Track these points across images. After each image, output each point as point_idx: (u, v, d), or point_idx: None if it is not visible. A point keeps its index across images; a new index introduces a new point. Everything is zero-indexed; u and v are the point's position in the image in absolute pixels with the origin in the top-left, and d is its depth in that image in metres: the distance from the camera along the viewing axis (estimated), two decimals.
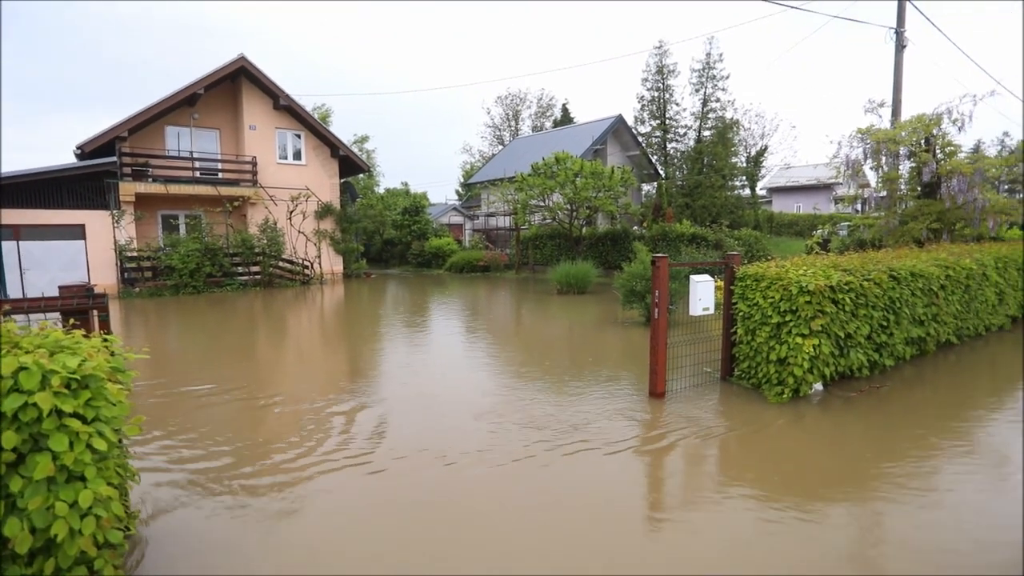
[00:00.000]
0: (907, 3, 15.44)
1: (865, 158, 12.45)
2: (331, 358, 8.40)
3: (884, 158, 12.28)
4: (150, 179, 17.90)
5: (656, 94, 30.45)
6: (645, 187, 31.58)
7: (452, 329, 10.81)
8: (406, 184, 44.09)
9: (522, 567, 2.88)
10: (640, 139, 30.06)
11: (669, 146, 30.88)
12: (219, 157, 20.10)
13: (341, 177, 23.36)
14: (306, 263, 20.08)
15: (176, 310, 13.39)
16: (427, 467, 4.09)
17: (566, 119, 43.82)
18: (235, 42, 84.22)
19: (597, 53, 77.93)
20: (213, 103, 19.96)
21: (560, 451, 4.32)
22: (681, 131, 30.76)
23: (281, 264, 19.13)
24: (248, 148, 19.98)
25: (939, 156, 11.45)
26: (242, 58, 19.01)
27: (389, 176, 75.37)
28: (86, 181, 16.74)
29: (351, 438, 4.69)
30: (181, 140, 19.72)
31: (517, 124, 51.21)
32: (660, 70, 30.10)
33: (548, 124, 47.82)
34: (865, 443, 4.53)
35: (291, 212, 20.43)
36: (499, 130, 51.79)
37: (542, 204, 20.57)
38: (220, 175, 19.75)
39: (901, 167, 12.60)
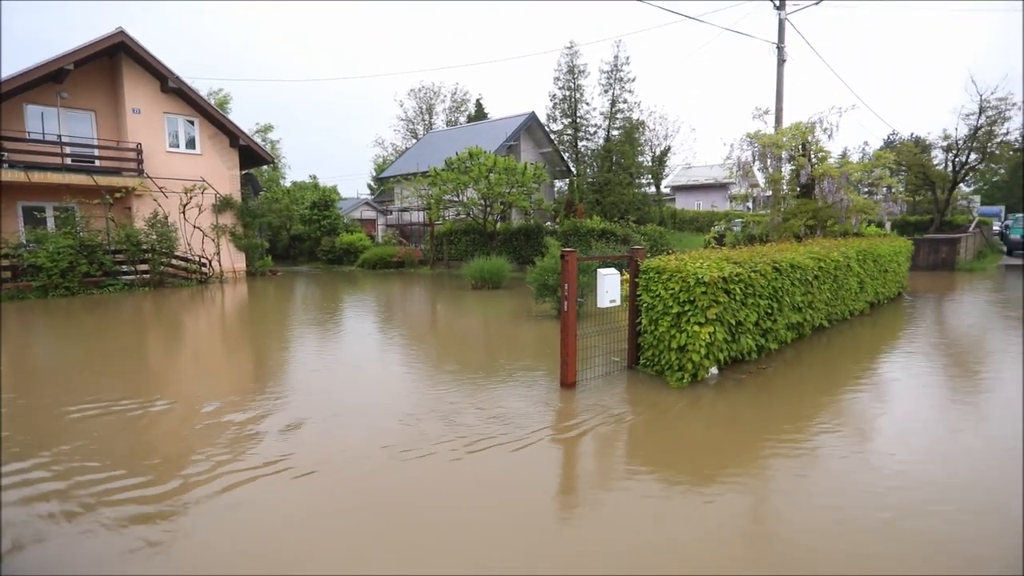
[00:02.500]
0: (786, 23, 17.01)
1: (753, 160, 13.59)
2: (232, 363, 7.85)
3: (769, 160, 13.48)
4: (5, 164, 15.71)
5: (568, 93, 31.30)
6: (558, 183, 32.43)
7: (366, 327, 10.50)
8: (315, 177, 42.14)
9: (438, 565, 2.87)
10: (552, 136, 30.80)
11: (580, 144, 31.90)
12: (96, 142, 18.06)
13: (242, 168, 21.88)
14: (203, 260, 18.60)
15: (44, 315, 11.88)
16: (339, 471, 3.96)
17: (480, 114, 43.88)
18: (122, 19, 75.79)
19: (511, 50, 78.66)
20: (87, 82, 17.89)
21: (473, 445, 4.35)
22: (592, 130, 31.88)
23: (174, 262, 17.57)
24: (131, 134, 18.14)
25: (813, 160, 12.75)
26: (120, 32, 17.18)
27: (296, 169, 71.88)
28: None
29: (253, 448, 4.41)
30: (47, 122, 17.50)
31: (431, 118, 50.56)
32: (571, 70, 30.96)
33: (462, 119, 47.63)
34: (755, 420, 4.96)
35: (185, 205, 18.81)
36: (412, 123, 50.87)
37: (456, 199, 20.49)
38: (97, 163, 17.79)
39: (783, 169, 13.89)
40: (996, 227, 31.97)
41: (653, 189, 34.60)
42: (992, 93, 21.63)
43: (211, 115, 20.03)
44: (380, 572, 2.81)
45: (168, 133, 19.19)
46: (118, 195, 17.38)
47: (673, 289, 5.76)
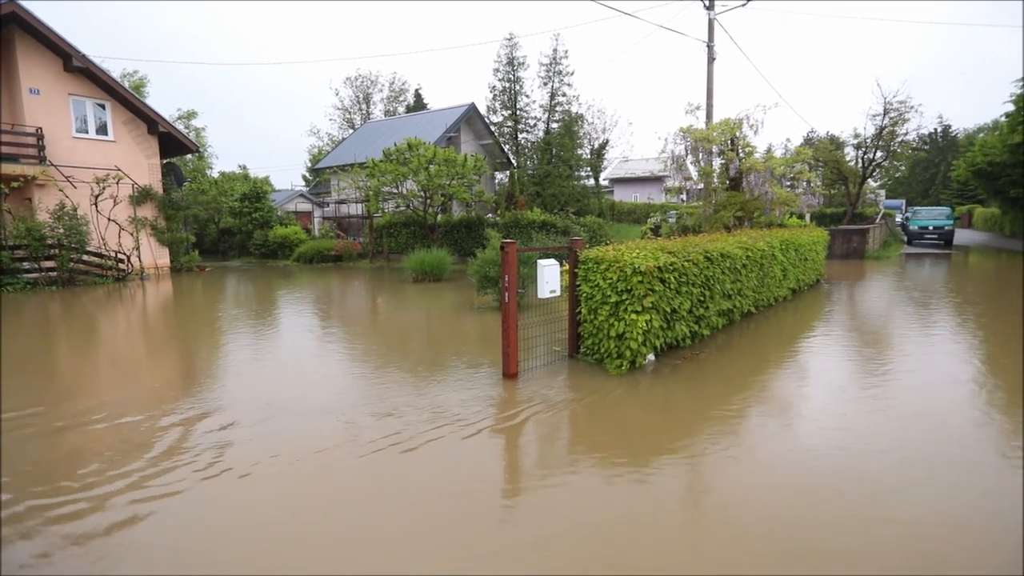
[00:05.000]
0: (716, 23, 17.72)
1: (686, 154, 14.14)
2: (156, 366, 7.34)
3: (701, 154, 14.07)
4: None
5: (507, 85, 31.30)
6: (498, 175, 32.44)
7: (303, 324, 10.12)
8: (244, 167, 40.01)
9: (386, 566, 2.82)
10: (493, 128, 30.72)
11: (520, 136, 32.02)
12: None
13: (163, 157, 20.46)
14: (121, 256, 17.26)
15: None
16: (278, 473, 3.79)
17: (419, 105, 43.16)
18: None
19: (450, 39, 77.68)
20: None
21: (417, 440, 4.29)
22: (531, 122, 32.06)
23: (86, 258, 16.18)
24: (30, 117, 16.51)
25: (740, 155, 13.41)
26: (11, 2, 15.49)
27: (225, 159, 67.82)
28: None
29: (188, 453, 4.16)
30: None
31: (368, 107, 49.18)
32: (511, 62, 30.96)
33: (401, 109, 46.68)
34: (690, 403, 5.19)
35: (97, 196, 17.35)
36: (349, 113, 49.31)
37: (395, 191, 20.10)
38: None
39: (714, 163, 14.54)
40: (898, 219, 34.93)
41: (592, 182, 35.26)
42: (894, 96, 23.53)
43: (125, 99, 18.53)
44: (328, 571, 2.73)
45: (75, 117, 17.59)
46: (15, 184, 15.78)
47: (611, 279, 5.89)
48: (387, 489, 3.59)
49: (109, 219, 17.80)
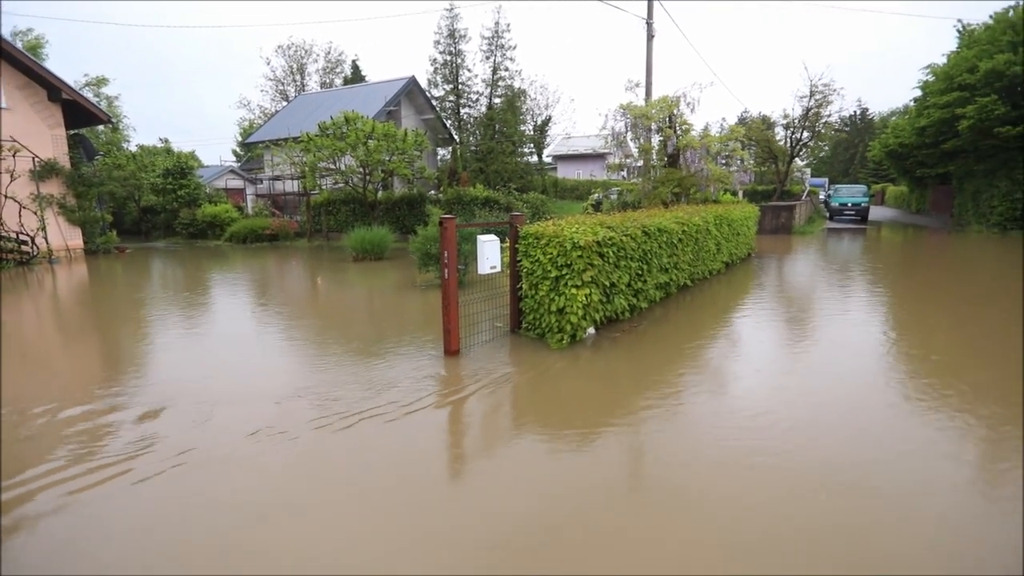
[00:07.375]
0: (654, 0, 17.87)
1: (626, 130, 14.31)
2: (72, 357, 6.78)
3: (640, 131, 14.29)
4: None
5: (449, 58, 30.55)
6: (440, 151, 31.84)
7: (238, 307, 9.61)
8: (166, 141, 37.18)
9: (332, 552, 2.73)
10: (434, 103, 29.99)
11: (463, 111, 31.47)
12: None
13: (70, 128, 18.63)
14: (23, 237, 15.73)
15: None
16: (212, 462, 3.59)
17: (357, 77, 41.44)
18: None
19: (389, 8, 74.59)
20: None
21: (356, 420, 4.18)
22: (474, 97, 31.54)
23: None
24: None
25: (678, 132, 13.72)
26: None
27: (144, 131, 62.70)
28: None
29: (108, 447, 3.87)
30: None
31: (303, 79, 46.77)
32: (452, 34, 30.18)
33: (338, 81, 44.69)
34: (629, 373, 5.32)
35: None
36: (282, 84, 46.73)
37: (333, 167, 19.30)
38: None
39: (653, 140, 14.81)
40: (822, 196, 37.11)
41: (535, 158, 35.26)
42: (819, 79, 24.72)
43: (17, 60, 16.64)
44: (275, 561, 2.62)
45: None
46: None
47: (551, 254, 5.91)
48: (327, 472, 3.48)
49: (6, 196, 16.12)
